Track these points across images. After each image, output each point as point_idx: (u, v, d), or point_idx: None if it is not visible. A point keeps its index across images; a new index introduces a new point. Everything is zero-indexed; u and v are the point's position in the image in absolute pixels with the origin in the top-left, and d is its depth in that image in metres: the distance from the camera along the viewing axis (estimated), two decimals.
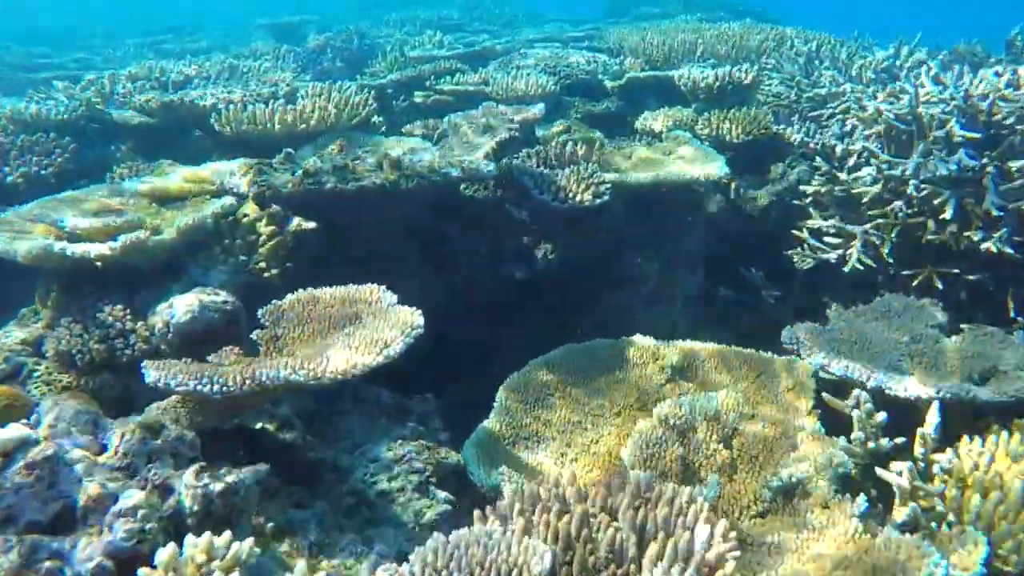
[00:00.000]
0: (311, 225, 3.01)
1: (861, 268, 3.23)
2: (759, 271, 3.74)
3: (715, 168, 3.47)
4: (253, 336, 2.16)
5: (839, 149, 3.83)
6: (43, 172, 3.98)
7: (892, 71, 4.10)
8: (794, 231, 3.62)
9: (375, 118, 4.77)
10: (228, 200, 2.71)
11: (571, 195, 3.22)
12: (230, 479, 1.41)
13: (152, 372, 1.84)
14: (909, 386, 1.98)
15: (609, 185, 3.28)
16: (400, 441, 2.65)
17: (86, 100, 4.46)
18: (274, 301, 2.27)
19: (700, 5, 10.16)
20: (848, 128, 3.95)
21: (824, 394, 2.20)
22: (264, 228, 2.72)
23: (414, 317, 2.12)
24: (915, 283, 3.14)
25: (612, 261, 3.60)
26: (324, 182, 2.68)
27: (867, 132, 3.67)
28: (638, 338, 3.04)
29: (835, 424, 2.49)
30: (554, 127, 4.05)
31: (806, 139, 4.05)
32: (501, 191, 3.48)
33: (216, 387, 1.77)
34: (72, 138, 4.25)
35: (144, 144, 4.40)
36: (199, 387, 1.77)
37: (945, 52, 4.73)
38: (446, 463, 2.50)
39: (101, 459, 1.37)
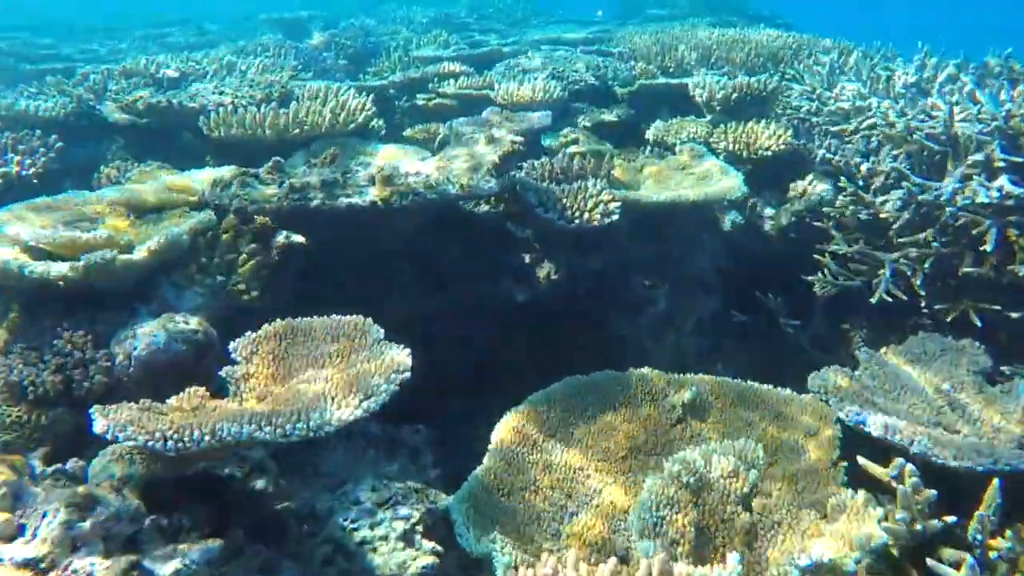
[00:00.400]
0: (299, 239, 2.77)
1: (890, 300, 2.98)
2: (777, 296, 3.48)
3: (732, 186, 3.21)
4: (223, 373, 1.91)
5: (864, 168, 3.57)
6: (25, 172, 3.73)
7: (922, 86, 3.83)
8: (816, 255, 3.36)
9: (374, 121, 4.52)
10: (207, 215, 2.46)
11: (578, 214, 2.97)
12: (168, 571, 1.16)
13: (100, 420, 1.60)
14: (960, 455, 1.72)
15: (619, 204, 3.02)
16: (386, 481, 2.41)
17: (77, 96, 4.21)
18: (248, 333, 2.02)
19: (710, 8, 9.88)
20: (874, 145, 3.69)
21: (860, 459, 1.94)
22: (245, 246, 2.47)
23: (400, 358, 1.87)
24: (950, 319, 2.88)
25: (619, 282, 3.35)
26: (311, 198, 2.43)
27: (896, 151, 3.40)
28: (646, 371, 2.79)
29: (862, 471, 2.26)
30: (561, 137, 3.79)
31: (828, 155, 3.79)
32: (503, 205, 3.23)
33: (170, 444, 1.53)
34: (61, 136, 4.01)
35: (136, 143, 4.15)
36: (151, 443, 1.53)
37: (973, 65, 4.46)
38: (434, 509, 2.26)
39: (12, 549, 1.13)
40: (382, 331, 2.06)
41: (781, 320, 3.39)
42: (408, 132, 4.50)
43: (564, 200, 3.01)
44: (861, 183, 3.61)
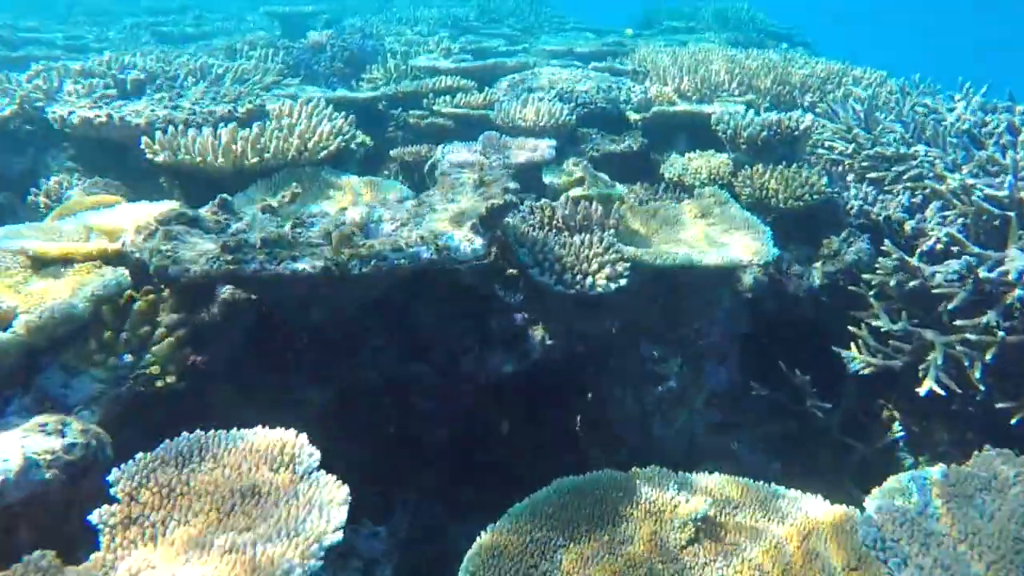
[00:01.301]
0: (244, 295, 2.27)
1: (943, 394, 2.47)
2: (805, 373, 2.96)
3: (759, 249, 2.69)
4: (93, 519, 1.40)
5: (908, 226, 3.06)
6: None
7: (973, 132, 3.31)
8: (851, 327, 2.86)
9: (359, 139, 4.00)
10: (116, 277, 1.94)
11: (580, 276, 2.45)
12: None
13: None
14: None
15: (628, 264, 2.51)
16: None
17: (20, 97, 3.69)
18: (137, 457, 1.51)
19: (728, 23, 9.34)
20: (918, 199, 3.18)
21: None
22: (164, 316, 1.96)
23: (332, 510, 1.36)
24: (1014, 420, 2.39)
25: (625, 351, 2.84)
26: (247, 261, 1.91)
27: (947, 213, 2.89)
28: (652, 472, 2.29)
29: None
30: (564, 175, 3.27)
31: (866, 206, 3.28)
32: (492, 257, 2.73)
33: None
34: None
35: (88, 154, 3.63)
36: None
37: (1021, 108, 3.94)
38: None
39: None
40: (316, 455, 1.55)
41: (809, 402, 2.88)
42: (395, 152, 4.00)
43: (565, 259, 2.49)
44: (903, 241, 3.10)
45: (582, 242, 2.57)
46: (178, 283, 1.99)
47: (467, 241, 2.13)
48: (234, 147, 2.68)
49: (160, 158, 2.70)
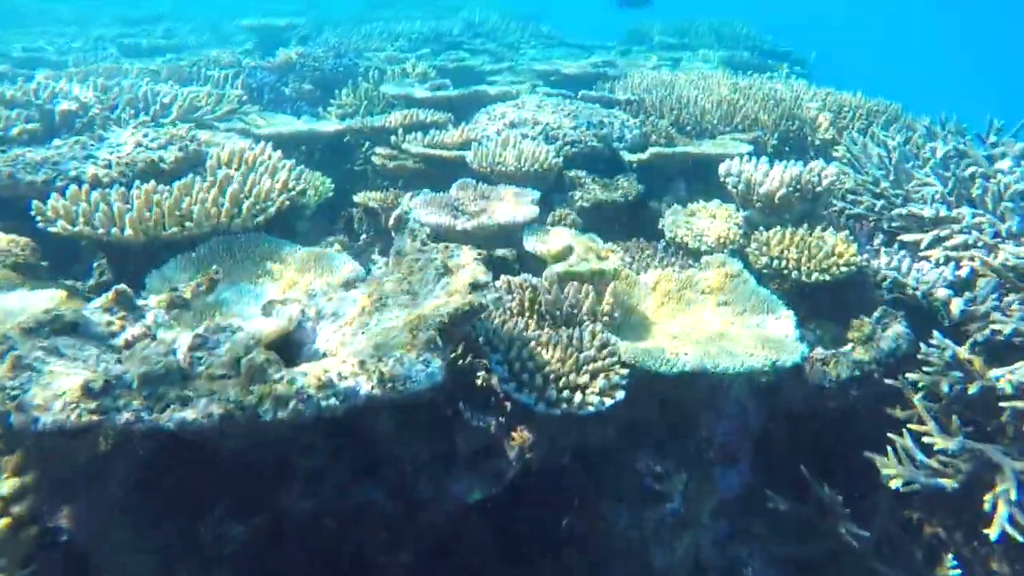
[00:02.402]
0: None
1: (1021, 540, 1.97)
2: (830, 476, 2.47)
3: (784, 348, 2.18)
4: None
5: (955, 306, 2.57)
6: None
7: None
8: (890, 435, 2.36)
9: (319, 182, 3.49)
10: None
11: (567, 391, 1.94)
12: None
13: None
14: None
15: (626, 372, 2.00)
16: None
17: None
18: None
19: (725, 40, 8.88)
20: (965, 273, 2.69)
21: None
22: (6, 480, 1.42)
23: None
24: None
25: (621, 462, 2.33)
26: (116, 409, 1.38)
27: (1009, 299, 2.40)
28: None
29: None
30: (551, 235, 2.75)
31: (899, 278, 2.79)
32: (461, 349, 2.21)
33: None
34: None
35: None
36: None
37: None
38: None
39: None
40: None
41: (843, 527, 2.37)
42: (359, 197, 3.47)
43: (548, 368, 1.98)
44: (947, 323, 2.62)
45: (570, 340, 2.06)
46: (32, 435, 1.45)
47: (422, 364, 1.61)
48: (146, 216, 2.15)
49: (55, 228, 2.17)
